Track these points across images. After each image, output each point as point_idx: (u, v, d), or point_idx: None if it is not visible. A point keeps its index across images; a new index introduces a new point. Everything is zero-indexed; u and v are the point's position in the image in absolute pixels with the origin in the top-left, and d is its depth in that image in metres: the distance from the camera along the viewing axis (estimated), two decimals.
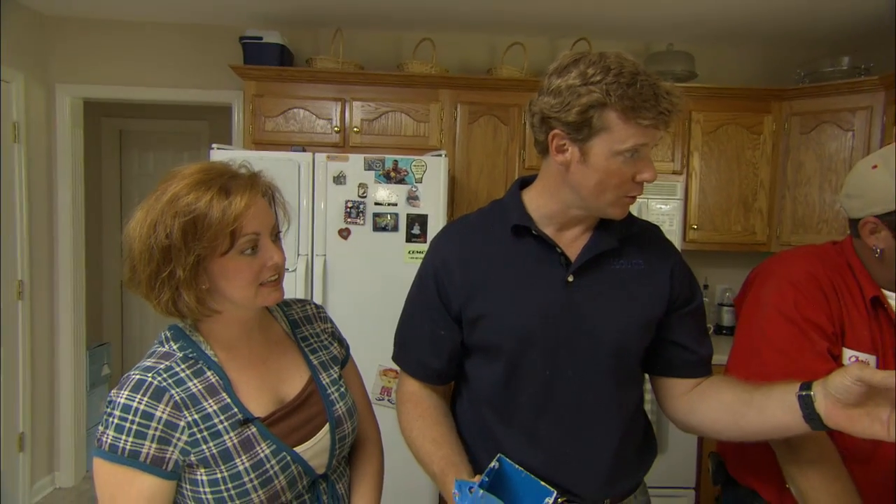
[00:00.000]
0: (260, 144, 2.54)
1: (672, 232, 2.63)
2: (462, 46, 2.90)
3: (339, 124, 2.58)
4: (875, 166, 1.01)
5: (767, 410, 0.88)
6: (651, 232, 1.06)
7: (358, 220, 2.14)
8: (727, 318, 2.93)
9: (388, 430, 2.21)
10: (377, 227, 2.15)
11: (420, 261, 2.16)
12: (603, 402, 0.97)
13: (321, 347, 1.02)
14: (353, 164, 2.14)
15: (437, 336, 1.01)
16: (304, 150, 2.19)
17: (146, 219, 0.81)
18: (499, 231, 0.99)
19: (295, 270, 2.13)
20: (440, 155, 2.20)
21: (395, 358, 1.10)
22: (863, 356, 1.02)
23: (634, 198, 0.92)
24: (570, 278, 0.95)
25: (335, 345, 1.05)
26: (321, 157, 2.14)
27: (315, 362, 0.98)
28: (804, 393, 0.84)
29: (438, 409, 1.04)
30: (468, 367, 1.04)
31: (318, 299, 2.14)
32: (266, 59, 2.51)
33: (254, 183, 0.86)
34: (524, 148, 2.64)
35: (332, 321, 1.08)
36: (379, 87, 2.60)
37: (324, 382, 0.97)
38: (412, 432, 1.02)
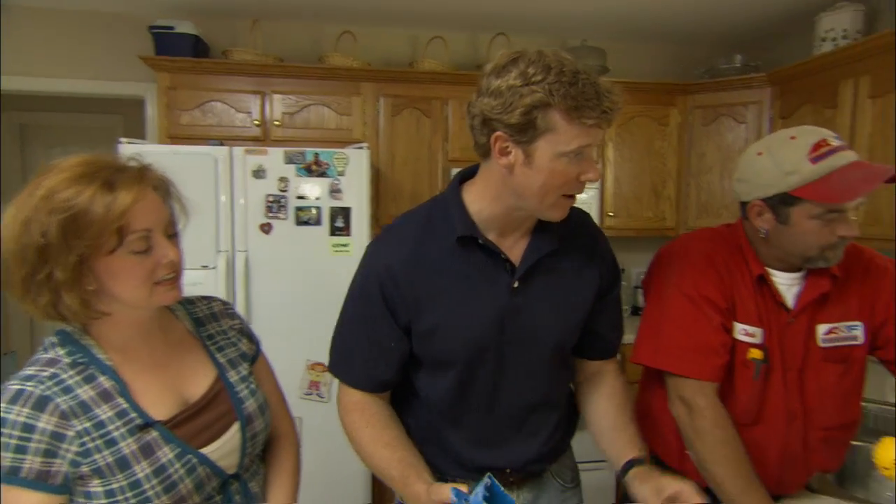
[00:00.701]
0: (176, 139, 2.46)
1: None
2: (383, 40, 2.92)
3: (259, 118, 2.54)
4: (760, 153, 1.07)
5: (609, 452, 1.04)
6: (583, 221, 1.07)
7: (280, 215, 2.12)
8: (642, 300, 3.11)
9: (318, 424, 2.23)
10: (300, 222, 2.14)
11: (344, 255, 2.20)
12: (543, 393, 1.06)
13: (229, 344, 1.00)
14: (273, 158, 2.12)
15: (386, 348, 0.99)
16: (221, 145, 2.14)
17: (17, 216, 0.76)
18: (443, 237, 0.96)
19: (215, 267, 2.09)
20: (362, 147, 2.21)
21: (336, 369, 1.04)
22: (751, 329, 1.10)
23: (574, 198, 0.92)
24: (516, 284, 0.97)
25: (244, 341, 1.03)
26: (239, 151, 2.11)
27: (222, 360, 0.96)
28: (622, 471, 0.98)
29: (385, 413, 1.02)
30: (418, 376, 1.04)
31: (240, 295, 2.11)
32: (179, 49, 2.43)
33: (143, 176, 0.82)
34: (447, 140, 2.70)
35: (240, 317, 1.06)
36: (300, 80, 2.57)
37: (232, 380, 0.95)
38: (362, 440, 0.99)
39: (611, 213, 2.86)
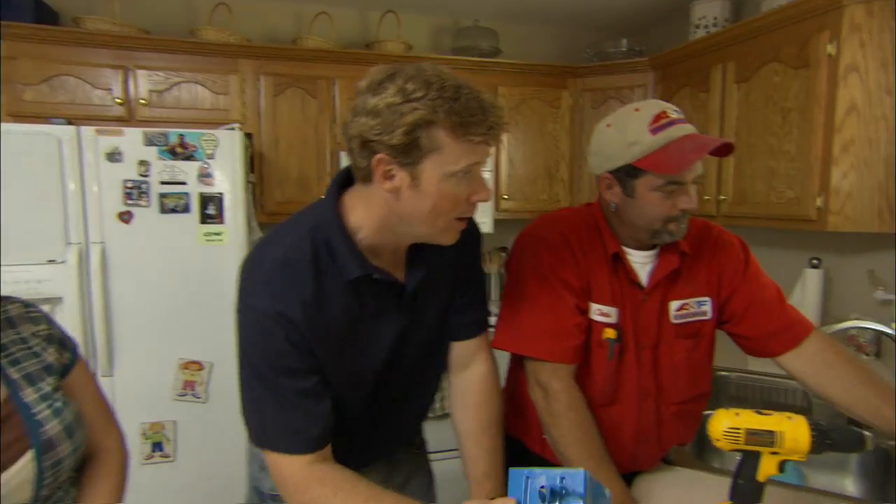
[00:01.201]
0: (19, 117, 2.18)
1: (485, 204, 2.75)
2: (264, 14, 2.74)
3: (121, 95, 2.30)
4: (609, 125, 1.08)
5: (466, 469, 1.05)
6: None
7: (141, 202, 1.93)
8: None
9: (195, 427, 2.08)
10: (165, 209, 1.96)
11: (216, 244, 2.04)
12: (425, 389, 1.11)
13: (28, 356, 0.87)
14: (131, 140, 1.92)
15: (311, 393, 0.88)
16: (69, 123, 1.92)
17: None
18: (334, 276, 0.87)
19: (65, 262, 1.87)
20: (234, 128, 2.06)
21: (262, 442, 0.89)
22: (605, 308, 1.11)
23: (465, 220, 0.87)
24: (407, 301, 0.95)
25: (51, 350, 0.90)
26: (88, 131, 1.89)
27: (16, 376, 0.84)
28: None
29: (345, 471, 0.89)
30: None
31: (96, 292, 1.91)
32: (16, 14, 2.15)
33: None
34: (335, 121, 2.58)
35: (50, 321, 0.93)
36: (169, 55, 2.36)
37: (27, 400, 0.83)
38: None
39: (505, 196, 2.87)
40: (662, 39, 2.96)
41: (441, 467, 1.29)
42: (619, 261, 1.12)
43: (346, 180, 0.91)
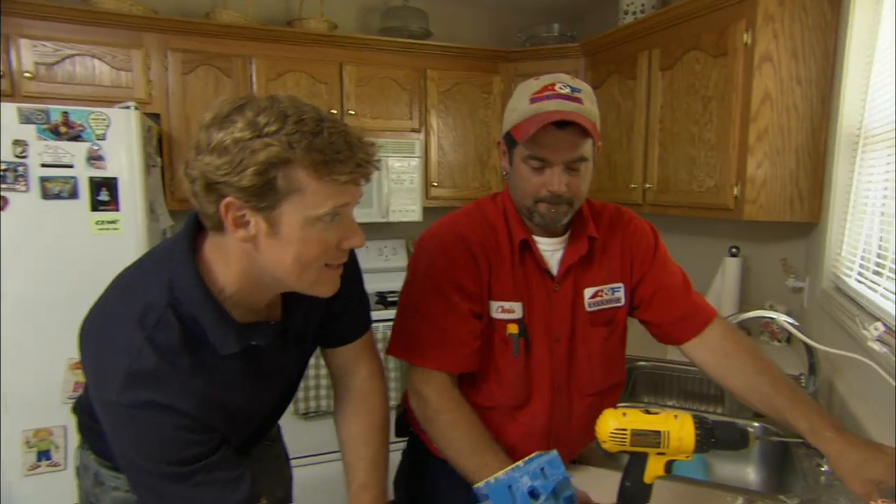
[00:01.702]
0: None
1: (413, 190, 2.69)
2: None
3: (3, 68, 2.09)
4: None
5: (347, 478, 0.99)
6: None
7: (18, 186, 1.75)
8: None
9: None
10: (48, 195, 1.79)
11: (112, 232, 1.88)
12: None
13: None
14: (3, 116, 1.73)
15: (224, 465, 0.82)
16: None
17: None
18: (208, 349, 0.78)
19: None
20: (129, 107, 1.89)
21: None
22: (507, 304, 1.06)
23: (342, 266, 0.80)
24: (292, 335, 0.89)
25: None
26: None
27: None
28: None
29: None
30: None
31: None
32: None
33: None
34: None
35: None
36: (59, 24, 2.15)
37: None
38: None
39: (435, 184, 2.80)
40: (594, 25, 2.95)
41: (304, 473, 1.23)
42: (526, 249, 1.08)
43: (197, 227, 0.79)
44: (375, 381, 1.03)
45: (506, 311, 1.06)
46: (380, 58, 2.65)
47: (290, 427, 1.13)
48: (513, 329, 1.07)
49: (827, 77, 1.79)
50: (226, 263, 0.77)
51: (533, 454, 0.79)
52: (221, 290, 0.77)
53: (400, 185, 2.64)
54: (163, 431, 0.74)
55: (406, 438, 1.25)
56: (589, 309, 1.11)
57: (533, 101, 0.98)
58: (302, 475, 1.24)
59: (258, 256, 0.74)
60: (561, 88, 0.97)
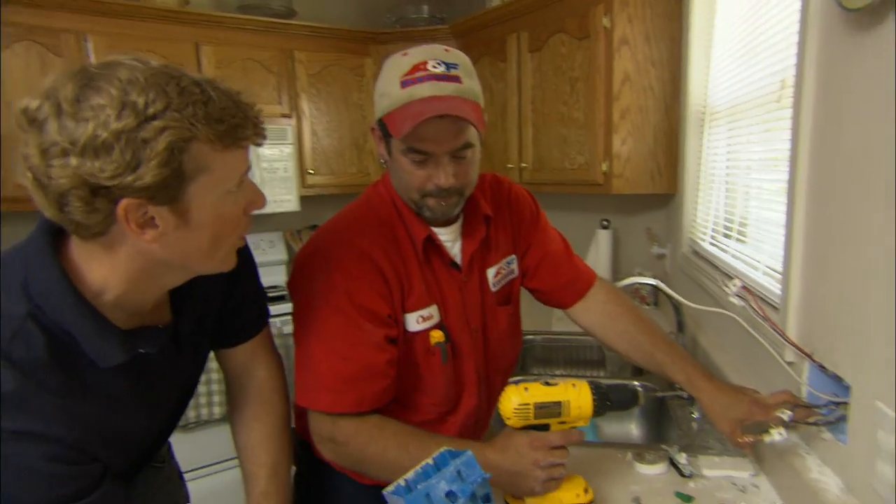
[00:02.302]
0: None
1: (288, 178, 2.56)
2: None
3: None
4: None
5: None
6: None
7: None
8: None
9: None
10: None
11: None
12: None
13: None
14: None
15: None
16: None
17: None
18: (84, 363, 0.67)
19: None
20: None
21: None
22: (425, 312, 0.98)
23: (244, 237, 0.74)
24: (184, 340, 0.80)
25: None
26: None
27: None
28: None
29: None
30: None
31: None
32: None
33: None
34: None
35: None
36: None
37: None
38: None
39: (311, 171, 2.69)
40: (463, 6, 2.98)
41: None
42: (431, 245, 0.99)
43: (52, 228, 0.67)
44: (275, 381, 0.96)
45: (425, 319, 0.98)
46: (240, 38, 2.48)
47: (174, 441, 1.02)
48: (437, 336, 0.99)
49: (676, 60, 1.97)
50: (111, 268, 0.66)
51: (442, 449, 0.78)
52: (98, 294, 0.67)
53: (273, 174, 2.51)
54: (31, 466, 0.63)
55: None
56: (494, 289, 1.09)
57: (405, 84, 0.86)
58: (193, 488, 1.13)
59: (163, 252, 0.65)
60: (434, 67, 0.87)
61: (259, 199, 0.71)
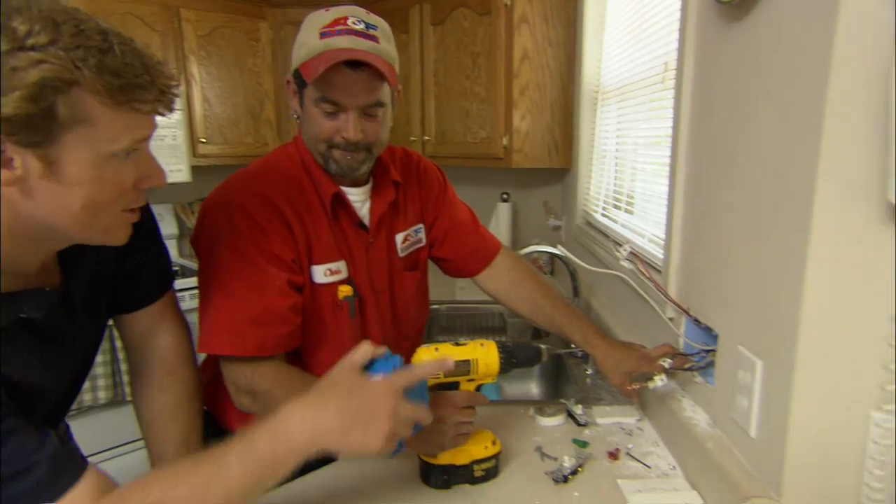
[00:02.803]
0: None
1: (177, 147, 2.41)
2: None
3: None
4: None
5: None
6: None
7: None
8: None
9: None
10: None
11: None
12: None
13: None
14: None
15: None
16: None
17: None
18: None
19: None
20: None
21: None
22: (333, 266, 1.01)
23: (138, 210, 0.69)
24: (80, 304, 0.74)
25: None
26: None
27: None
28: None
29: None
30: None
31: None
32: None
33: None
34: None
35: None
36: None
37: None
38: None
39: (203, 140, 2.55)
40: None
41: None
42: (339, 203, 1.03)
43: None
44: (182, 350, 0.93)
45: (333, 272, 1.01)
46: None
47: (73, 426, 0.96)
48: (346, 291, 1.03)
49: (571, 40, 2.09)
50: None
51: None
52: None
53: (161, 142, 2.35)
54: None
55: None
56: (401, 255, 1.13)
57: (323, 35, 0.90)
58: None
59: (27, 204, 0.60)
60: (355, 24, 0.91)
61: (156, 175, 0.68)
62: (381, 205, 1.08)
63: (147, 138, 0.65)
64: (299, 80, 0.94)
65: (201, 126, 2.55)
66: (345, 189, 1.03)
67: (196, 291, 0.96)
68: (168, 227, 2.67)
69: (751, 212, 0.80)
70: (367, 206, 1.08)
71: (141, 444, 0.91)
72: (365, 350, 0.74)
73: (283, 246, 0.95)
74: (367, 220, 1.07)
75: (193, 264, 2.74)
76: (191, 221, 2.81)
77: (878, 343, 0.60)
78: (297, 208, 0.98)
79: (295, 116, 1.00)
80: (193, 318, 0.94)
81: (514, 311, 1.24)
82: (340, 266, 1.03)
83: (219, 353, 0.94)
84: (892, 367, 0.56)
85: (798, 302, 0.67)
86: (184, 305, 0.97)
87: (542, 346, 0.97)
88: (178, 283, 0.98)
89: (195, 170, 2.50)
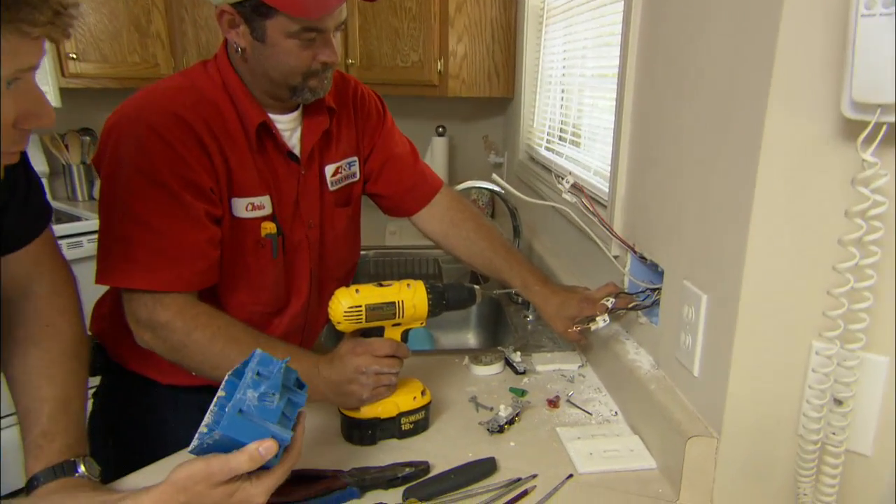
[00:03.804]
0: None
1: (40, 66, 2.21)
2: None
3: None
4: None
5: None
6: None
7: None
8: None
9: None
10: None
11: None
12: None
13: None
14: None
15: None
16: None
17: None
18: None
19: None
20: None
21: None
22: (257, 200, 1.01)
23: (17, 155, 0.65)
24: None
25: None
26: None
27: None
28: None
29: None
30: None
31: None
32: None
33: None
34: None
35: None
36: None
37: None
38: None
39: (74, 55, 2.36)
40: None
41: None
42: (266, 132, 1.02)
43: None
44: (62, 298, 0.87)
45: (255, 207, 1.01)
46: None
47: None
48: (269, 228, 1.03)
49: None
50: None
51: (229, 373, 0.77)
52: None
53: None
54: None
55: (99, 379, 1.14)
56: (332, 188, 1.13)
57: None
58: None
59: None
60: None
61: (43, 113, 0.62)
62: (314, 133, 1.07)
63: (34, 67, 0.59)
64: (258, 12, 0.91)
65: (72, 39, 2.35)
66: (273, 117, 1.03)
67: (74, 240, 0.91)
68: (36, 164, 2.49)
69: (699, 136, 0.83)
70: (298, 134, 1.07)
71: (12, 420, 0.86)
72: None
73: (201, 172, 0.94)
74: (297, 150, 1.07)
75: (71, 208, 2.60)
76: (64, 156, 2.63)
77: (824, 269, 0.64)
78: (216, 134, 0.96)
79: (239, 52, 0.97)
80: (78, 270, 0.90)
81: (452, 254, 1.26)
82: (264, 201, 1.02)
83: (122, 286, 0.93)
84: (837, 291, 0.60)
85: (745, 229, 0.70)
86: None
87: (476, 287, 0.98)
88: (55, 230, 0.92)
89: (66, 93, 2.33)
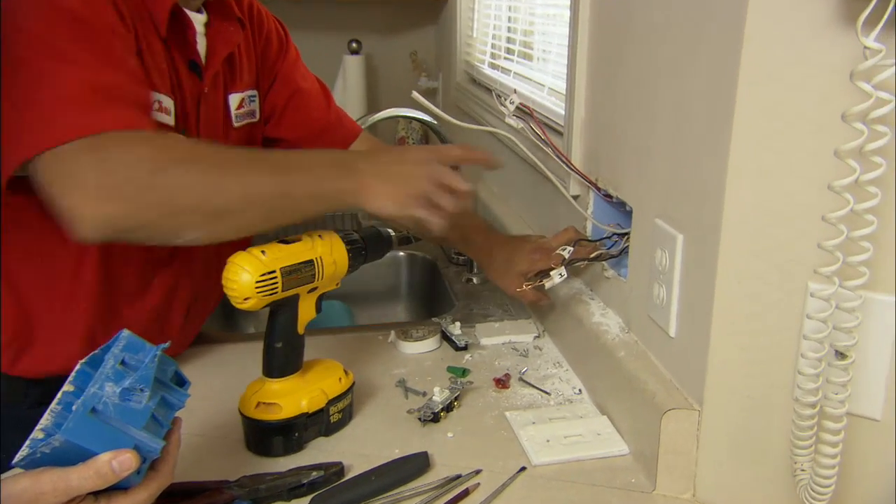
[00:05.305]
0: None
1: None
2: None
3: None
4: None
5: None
6: None
7: None
8: None
9: None
10: None
11: None
12: None
13: None
14: None
15: None
16: None
17: None
18: None
19: None
20: None
21: None
22: (164, 100, 0.97)
23: None
24: None
25: None
26: None
27: None
28: None
29: None
30: None
31: None
32: None
33: None
34: None
35: None
36: None
37: None
38: None
39: None
40: None
41: None
42: (176, 24, 0.99)
43: None
44: None
45: (162, 108, 0.97)
46: None
47: None
48: None
49: None
50: None
51: (82, 360, 0.73)
52: None
53: None
54: None
55: None
56: (236, 123, 1.12)
57: None
58: None
59: None
60: None
61: None
62: (225, 44, 1.07)
63: None
64: None
65: None
66: (187, 12, 1.01)
67: None
68: None
69: (672, 34, 0.83)
70: (204, 43, 1.05)
71: None
72: None
73: (120, 24, 0.90)
74: (202, 60, 1.05)
75: None
76: None
77: (819, 189, 0.64)
78: (127, 3, 0.93)
79: None
80: None
81: None
82: (170, 105, 0.99)
83: (64, 139, 0.80)
84: (833, 216, 0.60)
85: (726, 146, 0.71)
86: None
87: (389, 230, 0.98)
88: None
89: None
